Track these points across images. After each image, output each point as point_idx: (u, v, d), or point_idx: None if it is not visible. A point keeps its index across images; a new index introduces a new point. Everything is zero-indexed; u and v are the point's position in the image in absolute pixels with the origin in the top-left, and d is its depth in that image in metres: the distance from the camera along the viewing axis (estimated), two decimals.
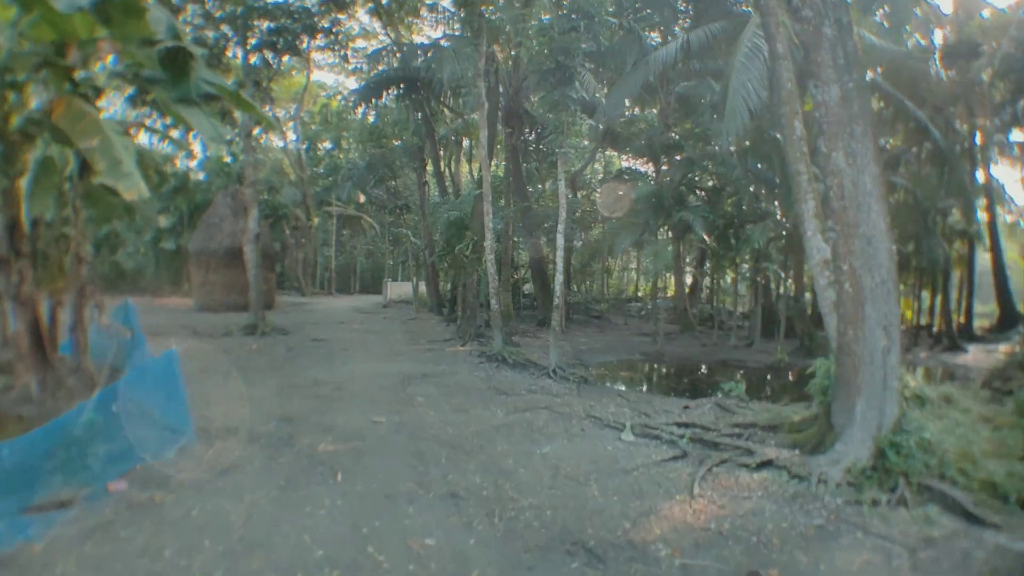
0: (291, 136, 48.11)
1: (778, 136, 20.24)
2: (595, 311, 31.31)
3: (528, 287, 36.44)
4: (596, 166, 37.81)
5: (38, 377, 11.01)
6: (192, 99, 11.30)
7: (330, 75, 55.86)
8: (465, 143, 38.08)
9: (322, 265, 50.36)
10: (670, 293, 44.04)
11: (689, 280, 45.63)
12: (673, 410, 12.42)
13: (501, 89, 24.46)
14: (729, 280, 31.23)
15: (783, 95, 14.21)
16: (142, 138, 44.23)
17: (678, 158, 22.74)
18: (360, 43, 34.34)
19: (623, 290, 44.26)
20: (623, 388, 15.63)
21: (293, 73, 48.69)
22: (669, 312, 36.42)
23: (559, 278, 15.79)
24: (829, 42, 8.98)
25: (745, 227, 22.64)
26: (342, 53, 28.08)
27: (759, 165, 22.09)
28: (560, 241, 15.62)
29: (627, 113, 31.24)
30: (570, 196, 34.02)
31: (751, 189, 23.23)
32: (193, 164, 41.12)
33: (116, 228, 40.27)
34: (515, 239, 26.68)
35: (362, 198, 45.68)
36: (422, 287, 32.90)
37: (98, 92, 12.11)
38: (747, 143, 21.61)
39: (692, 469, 8.53)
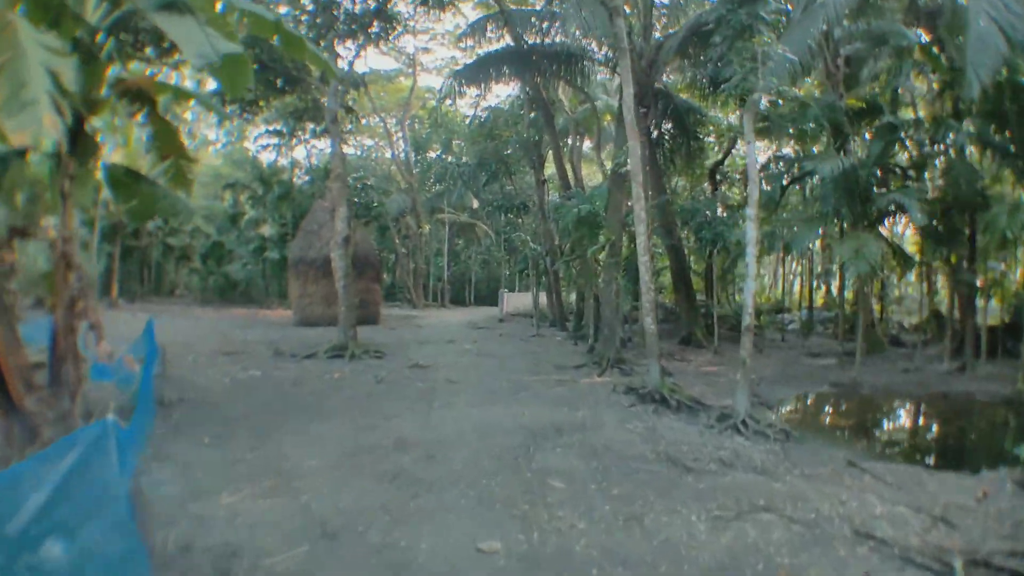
0: (401, 147, 44.81)
1: None
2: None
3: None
4: (736, 156, 31.91)
5: (3, 427, 7.12)
6: (179, 4, 6.99)
7: (438, 78, 52.33)
8: (586, 145, 33.34)
9: (435, 275, 46.64)
10: (819, 302, 37.69)
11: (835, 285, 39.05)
12: (963, 499, 7.49)
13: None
14: (940, 282, 24.85)
15: None
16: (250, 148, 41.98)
17: (873, 128, 17.08)
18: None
19: (777, 300, 37.88)
20: (848, 449, 10.30)
21: (402, 79, 45.51)
22: (830, 325, 30.20)
23: (750, 284, 10.58)
24: None
25: (963, 213, 16.76)
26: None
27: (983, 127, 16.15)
28: (751, 233, 10.44)
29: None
30: (710, 191, 28.61)
31: (970, 160, 17.23)
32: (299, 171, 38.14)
33: (221, 239, 38.02)
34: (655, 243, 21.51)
35: (476, 203, 41.69)
36: (542, 298, 28.19)
37: (92, 32, 8.11)
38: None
39: None
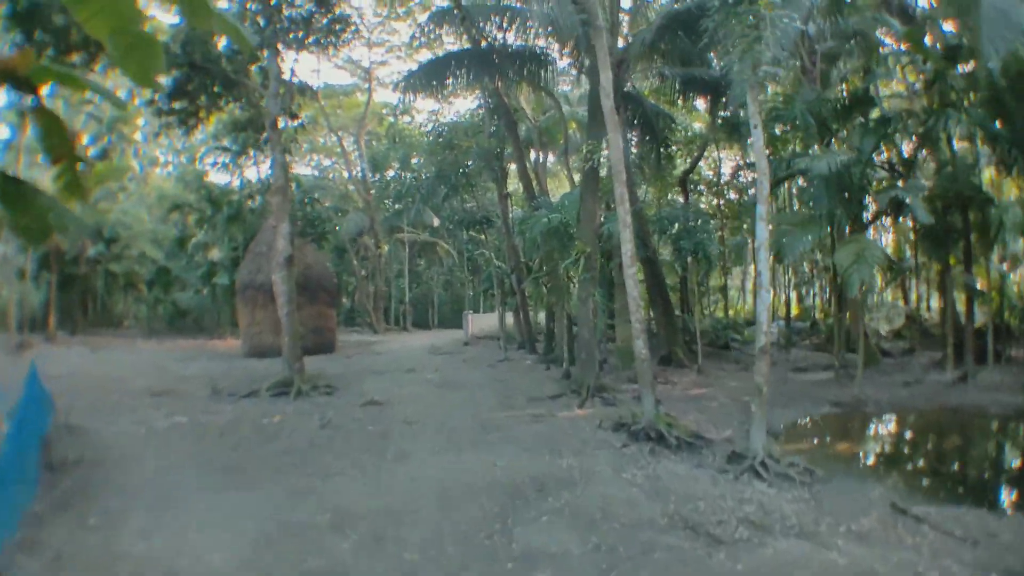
0: (357, 165, 42.67)
1: None
2: (730, 340, 23.94)
3: None
4: (703, 166, 30.34)
5: None
6: None
7: (395, 94, 50.33)
8: (550, 160, 31.55)
9: (396, 298, 44.35)
10: (795, 312, 36.24)
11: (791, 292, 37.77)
12: None
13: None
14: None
15: None
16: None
17: (861, 122, 15.55)
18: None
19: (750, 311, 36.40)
20: (882, 486, 8.50)
21: (358, 95, 43.60)
22: (807, 336, 28.78)
23: (765, 297, 8.75)
24: None
25: (960, 211, 15.34)
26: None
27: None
28: (762, 235, 8.64)
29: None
30: (681, 201, 27.02)
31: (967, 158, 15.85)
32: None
33: (168, 264, 35.51)
34: None
35: (436, 221, 39.62)
36: (509, 319, 26.24)
37: None
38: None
39: None
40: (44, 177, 29.49)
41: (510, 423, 11.22)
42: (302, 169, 47.44)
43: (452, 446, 9.70)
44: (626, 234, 9.85)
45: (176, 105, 18.04)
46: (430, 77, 18.73)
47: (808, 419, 13.95)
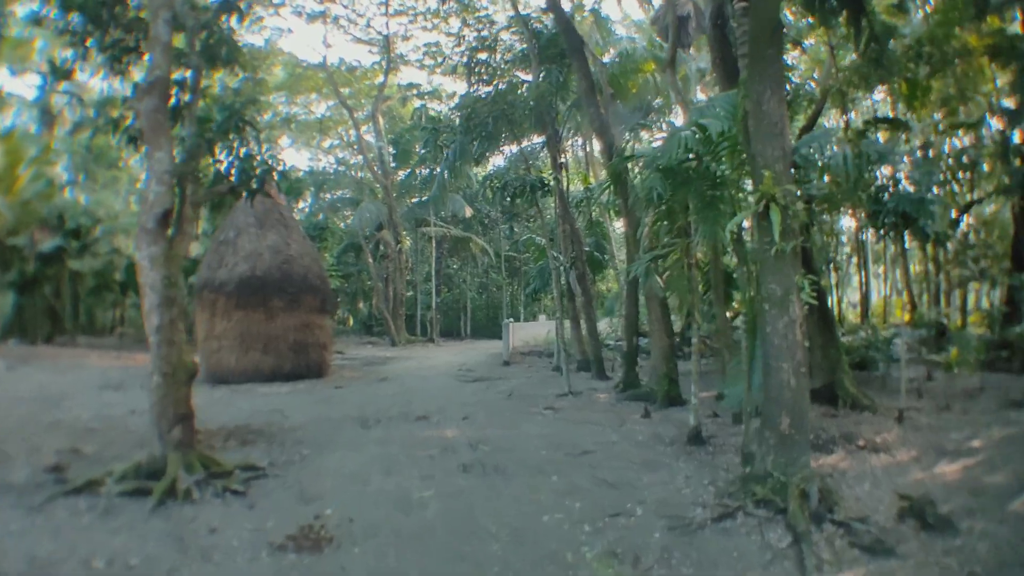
0: (371, 146, 35.28)
1: None
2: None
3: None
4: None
5: None
6: None
7: (420, 73, 42.65)
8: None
9: (423, 304, 36.52)
10: (905, 318, 27.66)
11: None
12: None
13: None
14: None
15: None
16: None
17: None
18: None
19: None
20: None
21: (381, 75, 36.31)
22: (919, 345, 19.65)
23: None
24: None
25: None
26: None
27: None
28: None
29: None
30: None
31: None
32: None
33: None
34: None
35: (469, 211, 32.01)
36: (566, 329, 18.27)
37: None
38: None
39: None
40: None
41: None
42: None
43: None
44: None
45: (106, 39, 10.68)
46: None
47: None
